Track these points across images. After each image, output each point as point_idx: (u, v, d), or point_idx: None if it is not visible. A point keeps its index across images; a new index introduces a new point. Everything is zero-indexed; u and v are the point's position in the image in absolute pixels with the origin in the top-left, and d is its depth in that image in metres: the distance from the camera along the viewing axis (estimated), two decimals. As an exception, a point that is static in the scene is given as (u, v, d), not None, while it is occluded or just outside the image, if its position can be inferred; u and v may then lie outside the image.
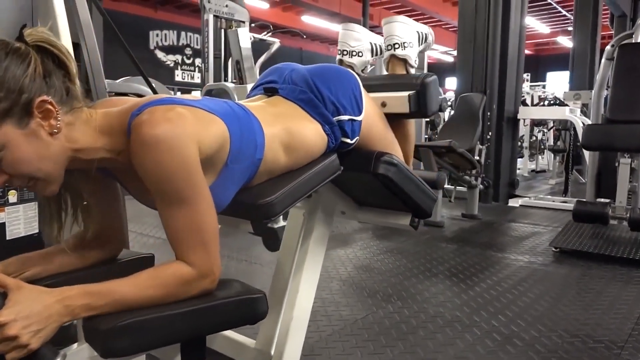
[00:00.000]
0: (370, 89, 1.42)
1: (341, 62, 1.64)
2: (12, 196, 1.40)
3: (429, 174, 3.97)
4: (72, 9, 1.60)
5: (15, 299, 0.74)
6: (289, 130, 1.15)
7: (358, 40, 1.64)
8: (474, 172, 4.21)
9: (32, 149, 0.83)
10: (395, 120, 1.44)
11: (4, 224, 1.30)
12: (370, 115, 1.30)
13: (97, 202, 1.05)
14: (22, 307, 0.74)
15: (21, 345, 0.73)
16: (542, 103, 8.07)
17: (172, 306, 0.83)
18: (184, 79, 14.54)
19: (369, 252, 3.20)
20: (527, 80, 9.45)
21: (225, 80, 4.44)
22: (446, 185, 4.33)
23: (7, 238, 1.31)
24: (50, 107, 0.84)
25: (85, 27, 1.63)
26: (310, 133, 1.20)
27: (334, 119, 1.23)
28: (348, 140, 1.27)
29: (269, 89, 1.30)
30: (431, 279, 2.68)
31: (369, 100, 1.32)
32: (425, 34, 1.60)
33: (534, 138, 8.71)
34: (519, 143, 7.23)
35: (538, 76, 19.11)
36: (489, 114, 5.09)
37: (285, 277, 1.62)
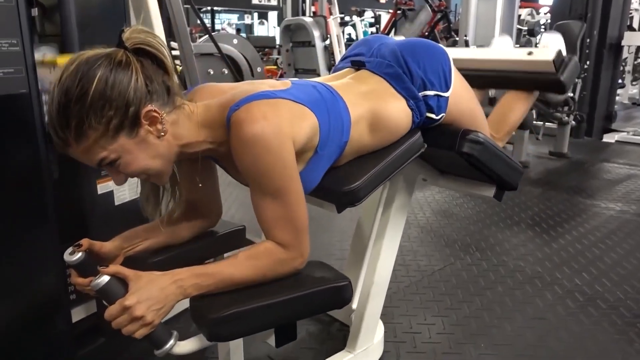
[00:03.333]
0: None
1: None
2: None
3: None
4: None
5: (136, 286, 0.85)
6: (374, 111, 1.16)
7: None
8: (565, 108, 3.94)
9: (143, 153, 0.91)
10: (514, 92, 1.50)
11: (112, 191, 1.44)
12: (458, 91, 1.27)
13: (197, 180, 1.13)
14: (142, 292, 0.84)
15: (147, 323, 0.85)
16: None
17: (267, 297, 0.91)
18: (260, 1, 14.35)
19: (448, 196, 3.18)
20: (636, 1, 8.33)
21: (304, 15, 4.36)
22: (534, 122, 4.10)
23: (115, 204, 1.46)
24: (155, 114, 0.90)
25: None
26: (395, 111, 1.20)
27: (420, 94, 1.21)
28: (433, 116, 1.25)
29: (356, 62, 1.29)
30: (512, 228, 2.64)
31: (458, 76, 1.29)
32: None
33: (639, 60, 7.84)
34: (621, 67, 6.56)
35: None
36: (588, 40, 4.63)
37: (365, 238, 1.69)
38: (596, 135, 4.91)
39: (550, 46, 1.69)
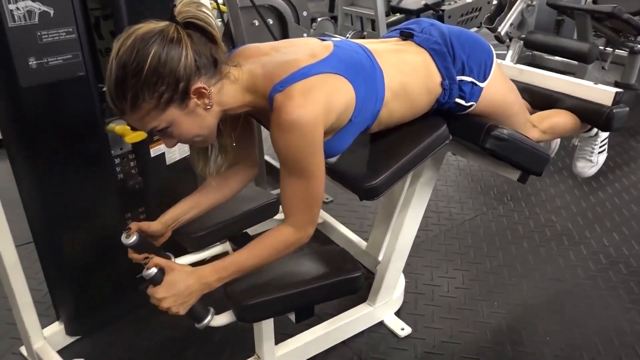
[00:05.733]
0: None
1: None
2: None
3: (579, 45, 3.61)
4: None
5: (168, 280, 1.03)
6: (405, 86, 1.22)
7: None
8: (638, 39, 3.63)
9: (192, 122, 1.03)
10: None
11: (163, 153, 1.60)
12: (495, 84, 1.30)
13: (238, 136, 1.24)
14: (170, 287, 1.02)
15: (172, 312, 1.04)
16: None
17: (288, 288, 1.08)
18: None
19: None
20: None
21: None
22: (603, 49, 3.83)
23: (167, 163, 1.62)
24: (203, 89, 1.00)
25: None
26: (424, 89, 1.25)
27: (457, 77, 1.25)
28: (462, 102, 1.29)
29: (404, 33, 1.32)
30: (553, 177, 2.64)
31: (499, 73, 1.31)
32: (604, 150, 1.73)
33: None
34: None
35: None
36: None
37: (394, 200, 1.79)
38: (674, 62, 4.52)
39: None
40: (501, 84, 1.33)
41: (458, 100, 1.30)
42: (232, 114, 1.12)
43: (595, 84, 1.51)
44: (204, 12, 1.00)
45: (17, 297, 1.39)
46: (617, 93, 1.45)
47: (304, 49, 1.12)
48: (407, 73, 1.23)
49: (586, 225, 2.22)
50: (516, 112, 1.39)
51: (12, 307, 1.43)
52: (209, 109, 1.03)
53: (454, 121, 1.33)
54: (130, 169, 1.54)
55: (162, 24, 0.98)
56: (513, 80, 1.48)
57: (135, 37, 0.95)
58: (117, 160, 1.50)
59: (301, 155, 1.04)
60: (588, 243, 2.10)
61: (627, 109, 1.49)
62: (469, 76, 1.28)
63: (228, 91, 1.06)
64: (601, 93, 1.48)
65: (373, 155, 1.28)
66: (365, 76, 1.13)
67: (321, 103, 1.03)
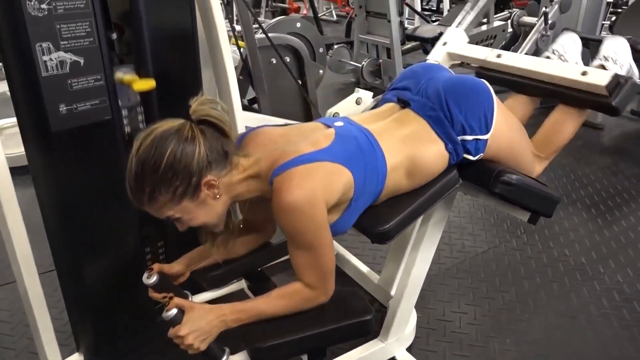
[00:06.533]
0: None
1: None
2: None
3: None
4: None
5: (189, 317, 1.07)
6: (412, 157, 1.25)
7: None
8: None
9: (203, 211, 1.11)
10: (566, 107, 1.53)
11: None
12: (499, 130, 1.32)
13: (255, 211, 1.32)
14: (192, 324, 1.07)
15: (194, 349, 1.08)
16: None
17: (300, 331, 1.11)
18: None
19: (509, 163, 3.16)
20: None
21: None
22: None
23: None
24: (213, 182, 1.07)
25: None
26: (432, 156, 1.28)
27: (459, 138, 1.28)
28: (470, 157, 1.32)
29: (401, 100, 1.36)
30: (567, 209, 2.64)
31: (500, 113, 1.32)
32: (634, 73, 1.59)
33: None
34: None
35: None
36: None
37: (406, 236, 1.82)
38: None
39: (613, 56, 1.61)
40: (504, 126, 1.34)
41: (466, 156, 1.33)
42: (241, 200, 1.20)
43: (583, 73, 1.44)
44: (217, 110, 1.09)
45: (40, 329, 1.45)
46: (607, 87, 1.37)
47: (308, 138, 1.18)
48: (412, 144, 1.26)
49: (600, 260, 2.22)
50: (522, 148, 1.42)
51: (34, 337, 1.49)
52: (218, 198, 1.11)
53: (463, 167, 1.36)
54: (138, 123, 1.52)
55: (178, 122, 1.07)
56: (494, 70, 1.50)
57: (154, 136, 1.04)
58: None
59: (305, 232, 1.09)
60: (601, 279, 2.10)
61: (631, 87, 1.39)
62: (471, 135, 1.30)
63: (236, 180, 1.13)
64: (593, 80, 1.41)
65: (382, 207, 1.31)
66: (365, 161, 1.18)
67: (319, 183, 1.08)
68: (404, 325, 1.68)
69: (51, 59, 1.23)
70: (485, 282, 2.09)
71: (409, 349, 1.73)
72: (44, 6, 1.18)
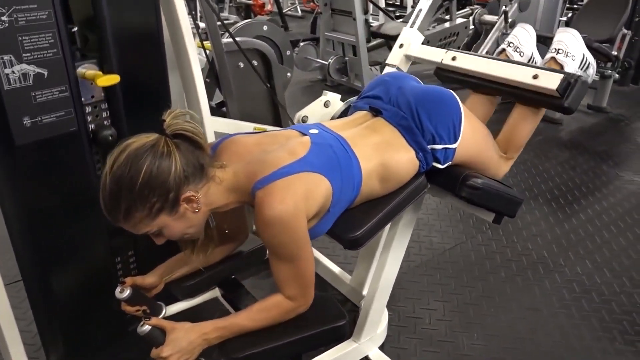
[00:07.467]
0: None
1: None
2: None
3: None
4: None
5: (171, 338, 1.07)
6: (385, 164, 1.28)
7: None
8: (608, 65, 3.79)
9: (181, 224, 1.11)
10: (523, 107, 1.56)
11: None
12: (467, 139, 1.36)
13: (228, 215, 1.31)
14: (175, 344, 1.07)
15: None
16: None
17: (275, 340, 1.13)
18: None
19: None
20: None
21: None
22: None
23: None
24: (192, 197, 1.07)
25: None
26: (404, 162, 1.31)
27: (429, 147, 1.32)
28: (439, 166, 1.36)
29: (373, 109, 1.38)
30: (529, 203, 2.74)
31: (468, 122, 1.36)
32: (589, 63, 1.62)
33: None
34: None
35: None
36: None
37: (376, 240, 1.85)
38: (643, 84, 4.70)
39: (564, 48, 1.63)
40: (471, 134, 1.38)
41: (435, 164, 1.37)
42: (221, 210, 1.19)
43: (534, 77, 1.46)
44: (190, 122, 1.08)
45: (7, 342, 1.41)
46: (558, 90, 1.39)
47: (284, 146, 1.19)
48: (384, 151, 1.29)
49: (561, 253, 2.32)
50: (489, 152, 1.47)
51: (1, 350, 1.46)
52: (197, 211, 1.10)
53: (431, 172, 1.40)
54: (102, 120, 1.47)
55: (152, 137, 1.05)
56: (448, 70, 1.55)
57: (129, 153, 1.02)
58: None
59: (288, 245, 1.10)
60: (562, 271, 2.20)
61: (581, 86, 1.41)
62: (440, 144, 1.33)
63: (214, 192, 1.13)
64: (544, 84, 1.45)
65: (354, 213, 1.33)
66: (342, 169, 1.20)
67: (300, 197, 1.10)
68: (377, 324, 1.72)
69: (13, 72, 1.20)
70: (453, 278, 2.16)
71: (381, 347, 1.78)
72: (4, 18, 1.15)
